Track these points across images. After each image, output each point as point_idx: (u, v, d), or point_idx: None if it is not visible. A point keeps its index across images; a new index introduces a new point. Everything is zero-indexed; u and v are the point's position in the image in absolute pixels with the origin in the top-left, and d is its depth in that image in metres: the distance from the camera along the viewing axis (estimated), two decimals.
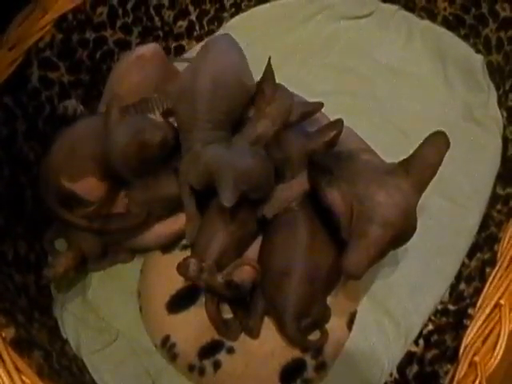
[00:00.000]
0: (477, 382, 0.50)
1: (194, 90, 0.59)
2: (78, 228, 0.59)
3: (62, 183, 0.57)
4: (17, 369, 0.42)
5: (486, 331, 0.53)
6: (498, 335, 0.53)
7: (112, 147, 0.56)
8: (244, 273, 0.56)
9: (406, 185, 0.53)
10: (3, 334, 0.44)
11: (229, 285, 0.54)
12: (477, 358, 0.52)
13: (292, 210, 0.58)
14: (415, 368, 0.59)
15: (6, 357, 0.42)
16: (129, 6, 0.78)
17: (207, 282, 0.54)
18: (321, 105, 0.64)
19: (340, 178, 0.55)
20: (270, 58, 0.64)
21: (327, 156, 0.59)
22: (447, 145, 0.54)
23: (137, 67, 0.68)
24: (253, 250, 0.59)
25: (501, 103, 0.77)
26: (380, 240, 0.52)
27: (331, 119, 0.66)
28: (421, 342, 0.62)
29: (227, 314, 0.59)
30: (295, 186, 0.59)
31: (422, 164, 0.54)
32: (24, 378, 0.42)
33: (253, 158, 0.56)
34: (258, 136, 0.59)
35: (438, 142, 0.54)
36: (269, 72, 0.62)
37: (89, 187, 0.58)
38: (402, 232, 0.54)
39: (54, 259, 0.60)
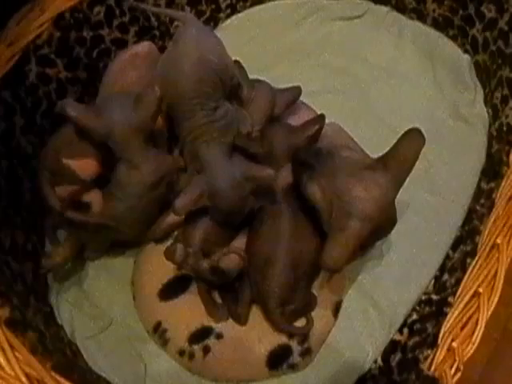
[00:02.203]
0: (454, 366, 0.52)
1: (177, 73, 0.60)
2: (57, 215, 0.60)
3: (61, 160, 0.60)
4: (10, 345, 0.44)
5: (465, 318, 0.55)
6: (476, 322, 0.55)
7: None
8: (230, 260, 0.58)
9: (383, 180, 0.55)
10: None
11: (214, 270, 0.56)
12: (455, 344, 0.53)
13: (276, 201, 0.60)
14: (398, 355, 0.61)
15: (0, 335, 0.44)
16: (125, 5, 0.80)
17: (193, 267, 0.56)
18: (299, 89, 0.66)
19: (320, 174, 0.57)
20: (239, 62, 0.66)
21: (309, 152, 0.61)
22: (423, 141, 0.56)
23: (131, 65, 0.70)
24: (240, 240, 0.61)
25: (487, 101, 0.80)
26: (358, 233, 0.54)
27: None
28: (405, 330, 0.64)
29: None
30: (279, 180, 0.61)
31: (399, 160, 0.56)
32: (17, 354, 0.44)
33: (232, 188, 0.57)
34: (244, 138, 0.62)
35: (414, 139, 0.56)
36: (242, 75, 0.64)
37: (85, 166, 0.61)
38: (381, 225, 0.57)
39: (52, 249, 0.63)
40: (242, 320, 0.59)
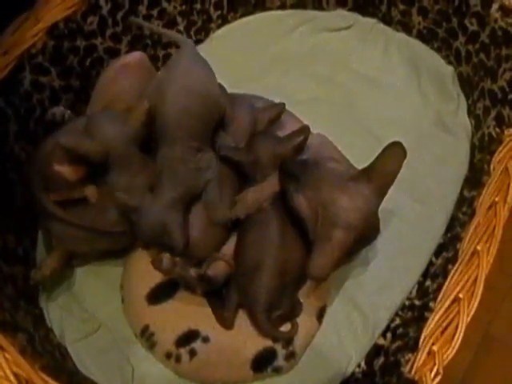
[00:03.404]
0: (434, 369, 0.54)
1: (161, 100, 0.62)
2: (54, 216, 0.62)
3: (53, 166, 0.62)
4: (0, 347, 0.45)
5: (445, 323, 0.57)
6: (457, 327, 0.56)
7: None
8: (218, 267, 0.59)
9: (367, 190, 0.57)
10: None
11: (201, 278, 0.58)
12: (435, 348, 0.55)
13: (264, 209, 0.61)
14: (382, 359, 0.62)
15: None
16: (118, 16, 0.82)
17: (180, 275, 0.57)
18: (283, 105, 0.68)
19: (306, 185, 0.59)
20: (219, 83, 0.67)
21: (295, 164, 0.63)
22: (404, 154, 0.58)
23: (123, 74, 0.72)
24: (228, 247, 0.63)
25: (470, 112, 0.82)
26: (343, 243, 0.56)
27: (310, 126, 0.70)
28: (388, 335, 0.65)
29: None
30: (266, 188, 0.62)
31: (382, 172, 0.58)
32: (7, 355, 0.45)
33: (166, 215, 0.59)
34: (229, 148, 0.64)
35: (395, 152, 0.58)
36: (223, 96, 0.66)
37: (74, 171, 0.63)
38: (365, 234, 0.59)
39: (41, 261, 0.64)
40: (228, 324, 0.60)
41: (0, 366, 0.44)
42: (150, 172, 0.63)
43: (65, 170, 0.62)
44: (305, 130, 0.65)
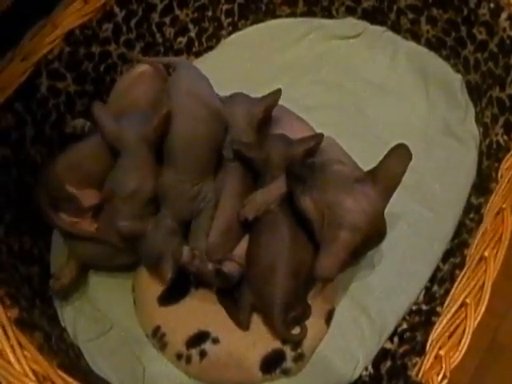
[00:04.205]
0: (441, 373, 0.54)
1: (170, 137, 0.63)
2: (60, 230, 0.65)
3: (66, 188, 0.64)
4: (20, 344, 0.47)
5: (452, 327, 0.57)
6: (464, 332, 0.57)
7: None
8: (232, 265, 0.61)
9: (372, 192, 0.58)
10: (8, 314, 0.49)
11: (218, 273, 0.59)
12: (442, 352, 0.56)
13: (272, 211, 0.63)
14: (389, 363, 0.63)
15: (10, 333, 0.47)
16: (132, 23, 0.84)
17: (198, 268, 0.58)
18: (279, 91, 0.70)
19: (313, 187, 0.60)
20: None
21: (302, 166, 0.64)
22: (409, 156, 0.59)
23: (138, 82, 0.74)
24: (241, 248, 0.64)
25: (478, 119, 0.83)
26: (349, 244, 0.57)
27: (318, 131, 0.72)
28: (395, 339, 0.66)
29: None
30: (273, 190, 0.64)
31: (387, 174, 0.59)
32: (26, 352, 0.46)
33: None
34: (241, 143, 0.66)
35: (401, 154, 0.59)
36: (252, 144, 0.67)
37: (89, 196, 0.65)
38: (371, 236, 0.59)
39: (59, 271, 0.66)
40: (244, 326, 0.61)
41: (19, 363, 0.45)
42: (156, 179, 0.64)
43: (78, 192, 0.64)
44: (318, 137, 0.66)
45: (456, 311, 0.59)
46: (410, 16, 0.90)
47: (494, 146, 0.76)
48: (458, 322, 0.58)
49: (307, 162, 0.64)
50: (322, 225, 0.58)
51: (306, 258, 0.61)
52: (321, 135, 0.66)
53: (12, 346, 0.46)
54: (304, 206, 0.59)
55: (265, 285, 0.60)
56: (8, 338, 0.46)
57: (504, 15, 0.78)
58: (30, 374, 0.45)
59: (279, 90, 0.70)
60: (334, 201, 0.58)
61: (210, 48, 0.94)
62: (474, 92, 0.84)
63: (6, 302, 0.50)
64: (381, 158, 0.61)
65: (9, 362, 0.45)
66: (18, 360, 0.45)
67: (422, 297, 0.68)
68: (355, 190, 0.58)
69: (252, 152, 0.65)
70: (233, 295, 0.64)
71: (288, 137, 0.68)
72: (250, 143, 0.67)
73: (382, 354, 0.65)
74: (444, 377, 0.55)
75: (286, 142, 0.66)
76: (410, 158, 0.59)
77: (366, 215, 0.57)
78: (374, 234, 0.59)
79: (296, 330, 0.62)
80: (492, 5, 0.79)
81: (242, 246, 0.64)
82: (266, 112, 0.70)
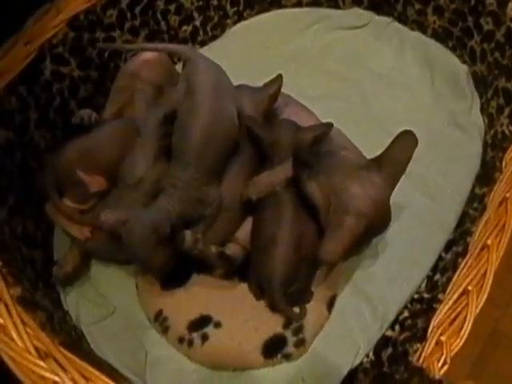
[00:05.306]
0: (442, 359, 0.54)
1: (190, 131, 0.61)
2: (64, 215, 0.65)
3: (76, 173, 0.64)
4: (22, 321, 0.47)
5: (454, 314, 0.57)
6: (465, 319, 0.57)
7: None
8: (235, 248, 0.61)
9: (378, 179, 0.59)
10: (11, 292, 0.49)
11: (221, 255, 0.59)
12: (443, 338, 0.56)
13: (277, 193, 0.63)
14: (390, 350, 0.63)
15: (12, 310, 0.47)
16: (137, 10, 0.83)
17: (201, 251, 0.58)
18: (280, 77, 0.70)
19: (319, 172, 0.61)
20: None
21: (309, 152, 0.64)
22: (415, 143, 0.59)
23: (142, 69, 0.74)
24: (243, 230, 0.64)
25: (483, 110, 0.82)
26: (354, 230, 0.57)
27: (323, 121, 0.71)
28: (397, 327, 0.66)
29: None
30: (279, 173, 0.64)
31: (393, 160, 0.59)
32: (28, 329, 0.47)
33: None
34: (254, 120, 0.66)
35: (407, 141, 0.59)
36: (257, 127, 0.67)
37: (96, 182, 0.65)
38: (375, 222, 0.60)
39: (62, 258, 0.66)
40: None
41: (21, 340, 0.46)
42: (162, 169, 0.64)
43: (86, 178, 0.65)
44: (328, 125, 0.66)
45: (458, 298, 0.58)
46: (417, 6, 0.90)
47: (499, 136, 0.76)
48: (459, 309, 0.58)
49: (314, 148, 0.64)
50: (327, 210, 0.58)
51: (308, 235, 0.61)
52: (330, 124, 0.67)
53: (14, 323, 0.46)
54: (310, 191, 0.59)
55: (266, 258, 0.60)
56: (11, 315, 0.47)
57: (511, 4, 0.77)
58: (32, 351, 0.45)
59: (280, 76, 0.71)
60: (340, 186, 0.58)
61: (215, 37, 0.94)
62: (480, 83, 0.84)
63: (8, 280, 0.51)
64: (384, 148, 0.61)
65: (11, 339, 0.45)
66: (20, 336, 0.46)
67: (424, 285, 0.68)
68: (361, 177, 0.58)
69: (263, 132, 0.65)
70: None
71: (297, 123, 0.68)
72: (262, 124, 0.67)
73: (383, 342, 0.65)
74: (444, 363, 0.54)
75: (296, 128, 0.67)
76: (416, 145, 0.59)
77: (371, 201, 0.57)
78: (378, 220, 0.59)
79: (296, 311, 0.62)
80: None
81: (245, 228, 0.64)
82: (271, 99, 0.70)
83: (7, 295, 0.48)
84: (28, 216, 0.67)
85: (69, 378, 0.44)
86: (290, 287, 0.60)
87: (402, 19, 0.93)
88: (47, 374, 0.44)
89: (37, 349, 0.45)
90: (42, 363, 0.44)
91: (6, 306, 0.48)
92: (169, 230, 0.57)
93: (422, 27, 0.92)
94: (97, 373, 0.45)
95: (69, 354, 0.46)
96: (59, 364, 0.44)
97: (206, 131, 0.61)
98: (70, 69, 0.76)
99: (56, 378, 0.44)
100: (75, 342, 0.58)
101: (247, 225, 0.65)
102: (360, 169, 0.59)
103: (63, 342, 0.47)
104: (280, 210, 0.61)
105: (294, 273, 0.60)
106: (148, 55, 0.75)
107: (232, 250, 0.61)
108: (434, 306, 0.60)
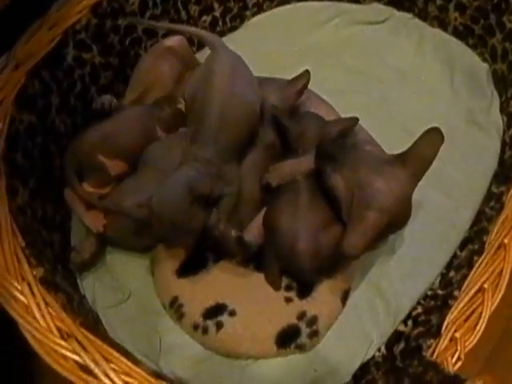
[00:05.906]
0: (456, 355, 0.55)
1: (210, 106, 0.62)
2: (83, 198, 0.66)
3: (97, 156, 0.66)
4: (45, 301, 0.48)
5: (469, 311, 0.58)
6: (480, 316, 0.57)
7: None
8: (252, 235, 0.62)
9: (402, 175, 0.59)
10: (34, 272, 0.50)
11: (239, 240, 0.59)
12: (457, 334, 0.56)
13: (296, 181, 0.63)
14: (402, 345, 0.63)
15: (36, 291, 0.48)
16: None
17: (222, 232, 0.59)
18: (307, 74, 0.70)
19: (344, 166, 0.60)
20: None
21: (334, 145, 0.64)
22: (441, 140, 0.59)
23: (164, 58, 0.75)
24: (258, 218, 0.64)
25: (502, 109, 0.82)
26: (376, 224, 0.57)
27: (342, 116, 0.72)
28: (409, 322, 0.66)
29: None
30: (303, 163, 0.64)
31: (418, 157, 0.59)
32: (51, 310, 0.47)
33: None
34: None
35: (433, 138, 0.59)
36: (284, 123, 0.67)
37: (117, 166, 0.67)
38: (397, 218, 0.60)
39: (79, 244, 0.66)
40: (276, 286, 0.63)
41: (44, 320, 0.46)
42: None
43: (108, 162, 0.66)
44: (353, 119, 0.66)
45: (473, 296, 0.59)
46: (438, 3, 0.90)
47: None
48: (474, 306, 0.58)
49: (339, 142, 0.64)
50: (350, 203, 0.58)
51: (325, 221, 0.61)
52: (356, 118, 0.67)
53: (37, 304, 0.47)
54: (334, 184, 0.59)
55: (289, 253, 0.60)
56: (34, 295, 0.47)
57: None
58: (55, 331, 0.46)
59: (308, 72, 0.71)
60: (364, 181, 0.58)
61: (234, 28, 0.94)
62: (500, 81, 0.84)
63: (31, 261, 0.51)
64: (401, 144, 0.61)
65: (34, 318, 0.46)
66: (43, 316, 0.47)
67: (437, 282, 0.68)
68: (386, 172, 0.58)
69: (289, 122, 0.66)
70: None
71: (322, 117, 0.68)
72: (289, 115, 0.67)
73: (396, 337, 0.65)
74: (458, 359, 0.55)
75: (322, 121, 0.67)
76: (442, 142, 0.59)
77: (394, 197, 0.57)
78: (400, 216, 0.59)
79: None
80: None
81: (261, 218, 0.64)
82: (298, 95, 0.71)
83: (31, 276, 0.49)
84: (47, 200, 0.68)
85: (90, 359, 0.45)
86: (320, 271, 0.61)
87: (423, 15, 0.93)
88: (68, 354, 0.45)
89: (59, 329, 0.46)
90: (63, 343, 0.45)
91: (30, 286, 0.48)
92: (202, 190, 0.58)
93: (442, 24, 0.91)
94: (117, 354, 0.46)
95: (90, 335, 0.47)
96: (81, 344, 0.45)
97: (220, 113, 0.62)
98: (91, 55, 0.76)
99: (77, 358, 0.45)
100: (92, 325, 0.58)
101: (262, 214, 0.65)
102: (385, 164, 0.59)
103: (84, 323, 0.48)
104: (297, 198, 0.61)
105: (319, 259, 0.60)
106: (170, 42, 0.76)
107: (249, 236, 0.61)
108: (449, 302, 0.60)
